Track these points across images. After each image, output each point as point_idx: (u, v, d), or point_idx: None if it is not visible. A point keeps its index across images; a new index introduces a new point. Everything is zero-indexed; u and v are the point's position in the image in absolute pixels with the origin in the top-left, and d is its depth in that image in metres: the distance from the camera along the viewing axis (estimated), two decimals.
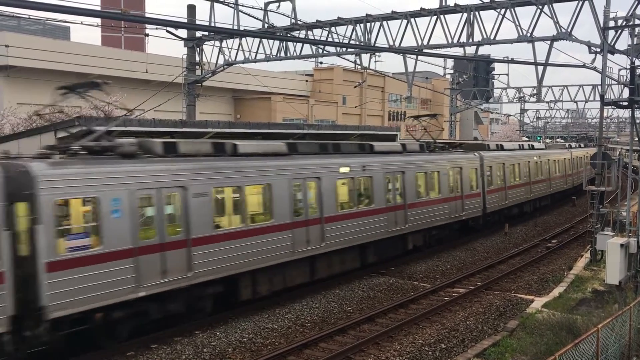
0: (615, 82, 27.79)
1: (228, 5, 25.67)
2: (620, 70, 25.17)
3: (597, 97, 47.35)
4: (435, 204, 23.67)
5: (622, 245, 15.31)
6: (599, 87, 28.09)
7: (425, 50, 23.55)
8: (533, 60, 22.51)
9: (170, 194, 13.72)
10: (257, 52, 27.42)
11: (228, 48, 28.14)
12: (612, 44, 21.48)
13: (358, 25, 24.97)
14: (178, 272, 13.60)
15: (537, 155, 36.36)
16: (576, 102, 54.32)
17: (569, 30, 21.27)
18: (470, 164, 26.89)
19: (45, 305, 11.31)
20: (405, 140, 27.47)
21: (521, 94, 53.79)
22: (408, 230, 21.97)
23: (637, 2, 21.31)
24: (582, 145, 56.89)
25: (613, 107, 25.28)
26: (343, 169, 18.96)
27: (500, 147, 34.15)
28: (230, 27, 25.27)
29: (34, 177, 11.30)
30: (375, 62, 63.60)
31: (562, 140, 68.78)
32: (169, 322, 14.22)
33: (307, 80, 59.22)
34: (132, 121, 18.06)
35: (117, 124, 15.79)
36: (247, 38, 27.57)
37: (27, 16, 23.87)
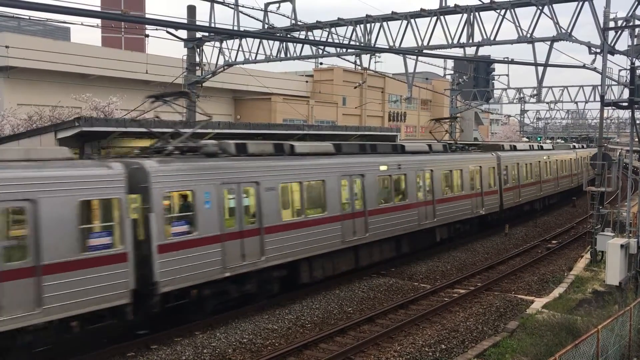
0: (616, 83, 27.77)
1: (228, 6, 25.65)
2: (620, 70, 25.19)
3: (597, 98, 47.32)
4: (459, 200, 25.55)
5: (622, 246, 15.31)
6: (599, 87, 28.08)
7: (425, 51, 23.53)
8: (533, 61, 22.50)
9: (246, 188, 15.62)
10: (257, 53, 27.39)
11: (228, 49, 28.12)
12: (612, 44, 21.47)
13: (358, 25, 24.95)
14: (254, 257, 15.58)
15: (546, 156, 37.88)
16: (576, 102, 54.27)
17: (569, 30, 21.26)
18: (489, 163, 28.68)
19: (157, 281, 13.29)
20: (429, 141, 28.74)
21: (521, 95, 53.75)
22: (436, 223, 23.79)
23: (637, 2, 21.31)
24: (585, 145, 57.52)
25: (613, 107, 25.26)
26: (382, 167, 20.81)
27: (514, 148, 35.46)
28: (231, 27, 25.26)
29: (147, 173, 13.31)
30: (375, 62, 63.60)
31: (562, 141, 68.79)
32: (243, 302, 16.06)
33: (307, 81, 59.17)
34: (142, 122, 18.49)
35: (201, 127, 17.79)
36: (247, 39, 27.54)
37: (27, 17, 23.87)
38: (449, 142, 28.57)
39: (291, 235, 16.69)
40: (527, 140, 69.28)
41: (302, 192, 17.32)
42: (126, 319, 12.95)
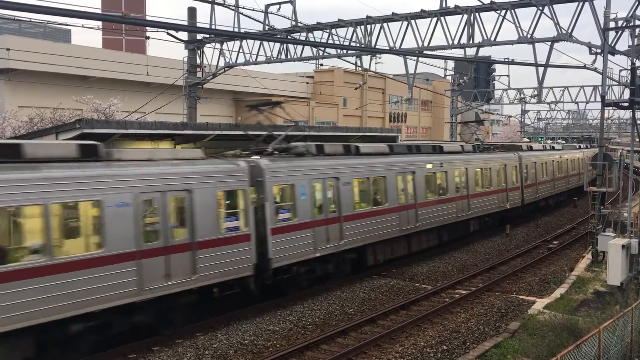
0: (616, 83, 27.79)
1: (229, 8, 25.67)
2: (621, 71, 25.32)
3: (598, 98, 47.34)
4: (489, 195, 28.48)
5: (623, 246, 15.26)
6: (600, 88, 28.09)
7: (425, 52, 23.55)
8: (534, 62, 22.51)
9: (329, 182, 18.44)
10: (257, 54, 27.42)
11: (229, 50, 28.18)
12: (612, 45, 21.47)
13: (358, 27, 24.97)
14: (335, 240, 18.52)
15: (558, 155, 40.94)
16: (577, 103, 54.28)
17: (569, 31, 21.26)
18: (512, 162, 31.64)
19: (271, 258, 16.16)
20: (460, 143, 31.53)
21: (522, 95, 53.75)
22: (470, 216, 26.74)
23: (637, 2, 21.31)
24: (588, 145, 58.54)
25: (614, 108, 25.27)
26: (428, 165, 23.64)
27: (531, 148, 38.41)
28: (231, 29, 25.28)
29: (262, 169, 16.18)
30: (375, 63, 63.51)
31: (564, 141, 68.82)
32: (323, 280, 18.71)
33: (307, 82, 59.17)
34: (143, 124, 18.73)
35: (291, 130, 20.68)
36: (248, 40, 27.58)
37: (27, 19, 23.90)
38: (476, 143, 32.01)
39: (362, 223, 19.54)
40: (528, 140, 69.29)
41: (369, 186, 20.20)
42: (249, 288, 15.83)
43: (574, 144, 60.13)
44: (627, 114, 65.68)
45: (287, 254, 16.65)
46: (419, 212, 22.44)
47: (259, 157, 17.05)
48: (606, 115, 55.97)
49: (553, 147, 44.80)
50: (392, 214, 20.89)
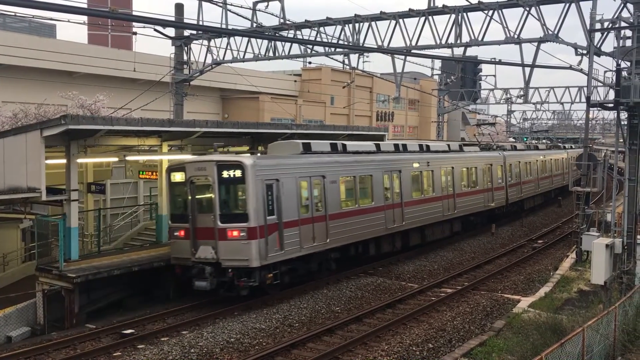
0: (601, 84, 28.04)
1: (216, 5, 25.52)
2: (605, 72, 25.54)
3: (583, 99, 47.76)
4: (561, 176, 46.45)
5: (607, 245, 15.39)
6: (585, 88, 28.31)
7: (413, 51, 23.58)
8: (520, 62, 22.63)
9: (517, 162, 35.27)
10: (245, 52, 27.28)
11: (216, 47, 27.98)
12: (598, 46, 21.63)
13: (347, 25, 24.93)
14: (518, 194, 34.91)
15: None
16: (562, 103, 54.72)
17: (555, 32, 21.40)
18: (565, 155, 49.34)
19: (508, 198, 32.98)
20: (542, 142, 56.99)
21: (508, 95, 54.08)
22: (553, 187, 44.27)
23: (622, 4, 21.48)
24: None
25: (599, 108, 25.46)
26: (556, 156, 45.13)
27: (572, 147, 57.06)
28: (219, 26, 25.15)
29: (505, 157, 33.43)
30: (363, 62, 63.34)
31: (549, 142, 69.47)
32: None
33: (295, 80, 58.93)
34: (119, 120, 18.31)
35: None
36: (236, 37, 27.43)
37: (12, 13, 23.60)
38: (557, 144, 56.07)
39: (525, 187, 36.19)
40: (514, 140, 69.79)
41: (538, 164, 38.97)
42: (502, 211, 32.63)
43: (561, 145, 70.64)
44: (611, 114, 66.32)
45: (511, 197, 33.19)
46: (553, 180, 42.45)
47: (497, 150, 34.18)
48: (591, 116, 56.86)
49: (571, 146, 64.30)
50: (546, 180, 40.23)
